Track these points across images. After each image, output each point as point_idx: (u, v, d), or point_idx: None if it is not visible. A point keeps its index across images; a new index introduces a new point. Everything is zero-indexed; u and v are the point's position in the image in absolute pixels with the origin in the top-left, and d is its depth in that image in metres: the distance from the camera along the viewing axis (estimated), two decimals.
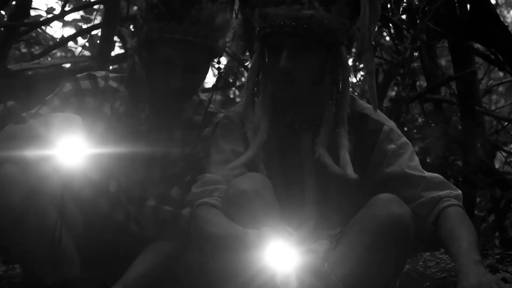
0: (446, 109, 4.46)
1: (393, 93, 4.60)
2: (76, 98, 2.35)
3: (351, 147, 2.24)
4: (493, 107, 5.34)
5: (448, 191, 2.29)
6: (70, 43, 4.62)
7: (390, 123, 2.37)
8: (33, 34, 4.28)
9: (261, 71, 2.30)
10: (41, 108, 2.32)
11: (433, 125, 4.09)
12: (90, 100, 2.36)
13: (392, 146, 2.31)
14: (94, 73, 2.44)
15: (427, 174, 2.32)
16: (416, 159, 2.35)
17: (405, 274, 2.45)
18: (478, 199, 4.60)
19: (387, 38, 4.50)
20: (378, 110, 2.36)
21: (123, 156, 2.35)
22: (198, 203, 2.24)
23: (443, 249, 2.64)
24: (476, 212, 4.39)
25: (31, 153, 2.11)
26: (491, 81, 5.52)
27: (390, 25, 3.93)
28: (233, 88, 4.73)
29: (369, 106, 2.36)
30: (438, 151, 4.02)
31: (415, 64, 4.28)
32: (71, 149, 2.04)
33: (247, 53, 2.40)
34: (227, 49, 3.15)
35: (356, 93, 4.07)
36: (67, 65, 4.20)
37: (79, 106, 2.34)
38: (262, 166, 2.27)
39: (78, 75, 2.42)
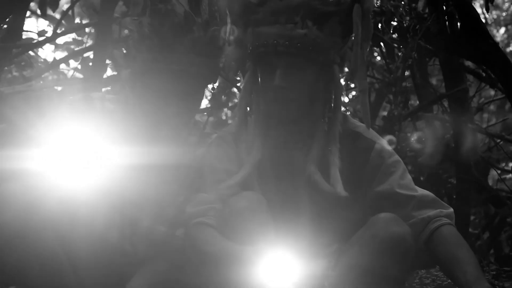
0: (439, 127, 4.47)
1: (385, 112, 4.61)
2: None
3: (342, 165, 2.24)
4: (484, 125, 5.35)
5: (439, 210, 2.27)
6: (62, 66, 4.61)
7: (382, 142, 2.37)
8: (25, 57, 4.27)
9: (254, 90, 2.31)
10: None
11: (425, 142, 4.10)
12: (86, 122, 2.36)
13: (383, 164, 2.31)
14: (91, 94, 2.43)
15: (418, 192, 2.30)
16: (408, 177, 2.34)
17: None
18: (472, 217, 4.60)
19: (378, 57, 4.52)
20: (370, 129, 2.36)
21: (119, 176, 2.34)
22: (193, 222, 2.23)
23: (438, 267, 2.62)
24: (470, 229, 4.39)
25: (30, 170, 2.11)
26: (482, 99, 5.54)
27: (381, 44, 3.95)
28: (225, 109, 4.73)
29: (361, 124, 2.36)
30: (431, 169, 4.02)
31: (407, 83, 4.30)
32: (68, 168, 2.04)
33: (239, 73, 2.40)
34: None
35: (348, 112, 4.08)
36: (59, 88, 4.19)
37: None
38: (256, 184, 2.27)
39: (72, 97, 2.42)
